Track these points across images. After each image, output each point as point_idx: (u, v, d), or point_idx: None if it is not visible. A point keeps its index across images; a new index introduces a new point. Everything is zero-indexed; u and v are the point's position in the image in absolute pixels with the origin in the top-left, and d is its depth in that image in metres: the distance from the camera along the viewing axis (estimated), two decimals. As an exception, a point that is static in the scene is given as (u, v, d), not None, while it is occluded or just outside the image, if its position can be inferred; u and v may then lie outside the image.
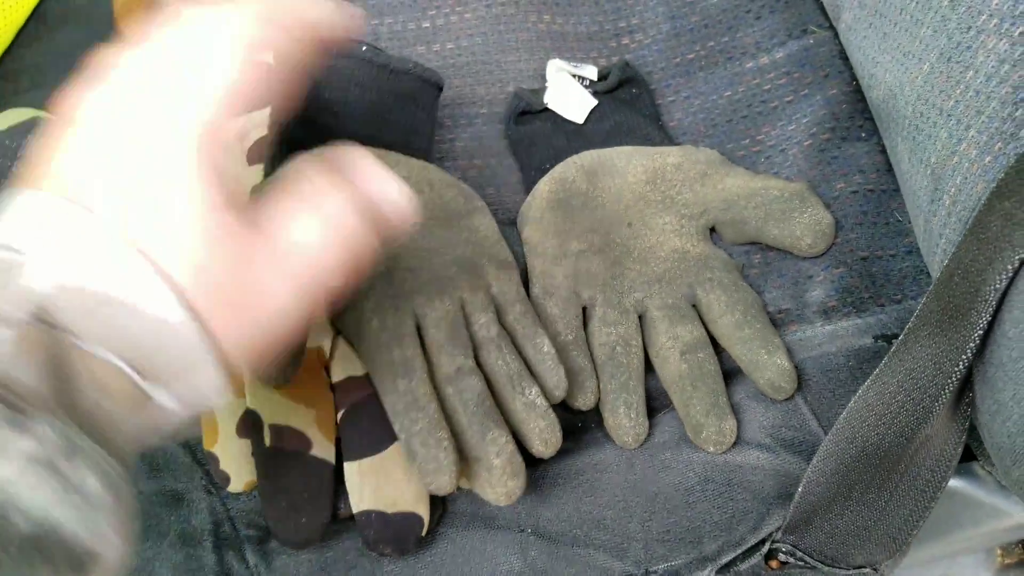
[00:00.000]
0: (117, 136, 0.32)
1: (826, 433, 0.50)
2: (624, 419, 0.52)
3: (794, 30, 0.70)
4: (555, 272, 0.57)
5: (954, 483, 0.54)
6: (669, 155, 0.62)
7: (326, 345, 0.52)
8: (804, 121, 0.65)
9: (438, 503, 0.50)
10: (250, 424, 0.50)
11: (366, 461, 0.49)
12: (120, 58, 0.34)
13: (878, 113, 0.60)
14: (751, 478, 0.51)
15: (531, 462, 0.52)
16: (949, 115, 0.48)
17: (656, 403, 0.55)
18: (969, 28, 0.47)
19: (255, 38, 0.34)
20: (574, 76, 0.67)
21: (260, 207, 0.34)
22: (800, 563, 0.50)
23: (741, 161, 0.65)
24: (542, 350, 0.52)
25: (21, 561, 0.25)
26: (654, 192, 0.61)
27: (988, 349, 0.42)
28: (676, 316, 0.56)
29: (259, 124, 0.59)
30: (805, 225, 0.57)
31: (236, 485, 0.50)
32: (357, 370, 0.51)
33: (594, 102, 0.66)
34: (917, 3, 0.52)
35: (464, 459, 0.48)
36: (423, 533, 0.48)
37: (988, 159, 0.44)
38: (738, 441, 0.52)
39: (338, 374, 0.52)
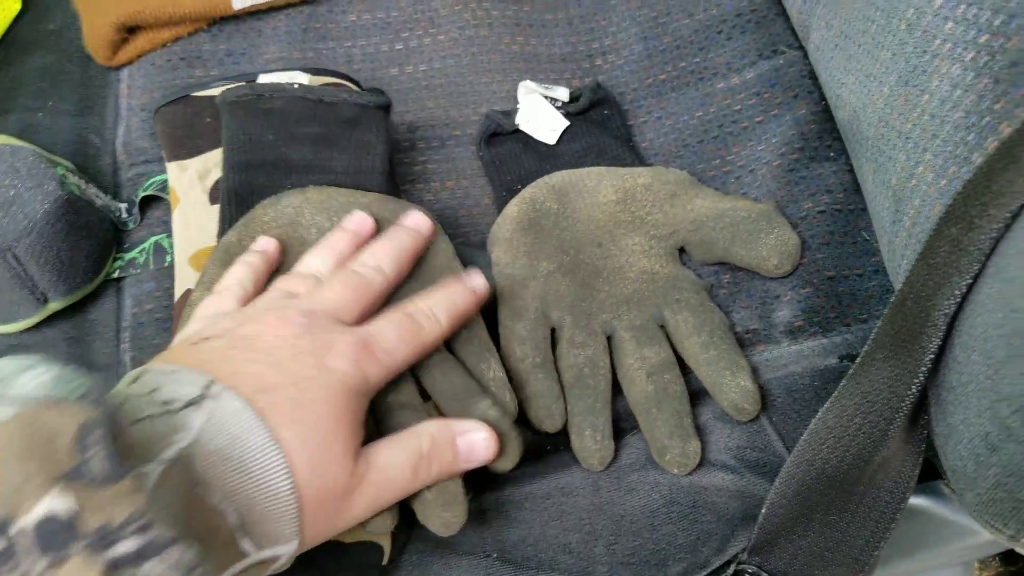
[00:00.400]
0: (301, 368, 0.42)
1: (790, 455, 0.50)
2: (590, 442, 0.52)
3: (764, 50, 0.70)
4: (524, 294, 0.58)
5: (920, 502, 0.54)
6: (639, 176, 0.63)
7: None
8: (774, 141, 0.65)
9: (401, 533, 0.50)
10: None
11: None
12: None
13: (844, 133, 0.60)
14: (716, 500, 0.51)
15: (498, 485, 0.53)
16: (907, 138, 0.49)
17: (624, 424, 0.56)
18: (924, 52, 0.47)
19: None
20: (545, 97, 0.68)
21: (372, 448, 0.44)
22: (765, 584, 0.50)
23: (711, 181, 0.65)
24: (486, 375, 0.52)
25: None
26: (624, 212, 0.61)
27: (940, 373, 0.42)
28: (644, 337, 0.56)
29: (218, 163, 0.60)
30: (771, 246, 0.58)
31: None
32: None
33: (566, 123, 0.67)
34: (878, 26, 0.53)
35: None
36: (384, 563, 0.48)
37: (943, 182, 0.45)
38: (704, 462, 0.52)
39: None
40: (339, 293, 0.48)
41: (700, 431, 0.53)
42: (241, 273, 0.51)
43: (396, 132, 0.70)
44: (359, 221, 0.54)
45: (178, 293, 0.59)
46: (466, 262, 0.60)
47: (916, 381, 0.42)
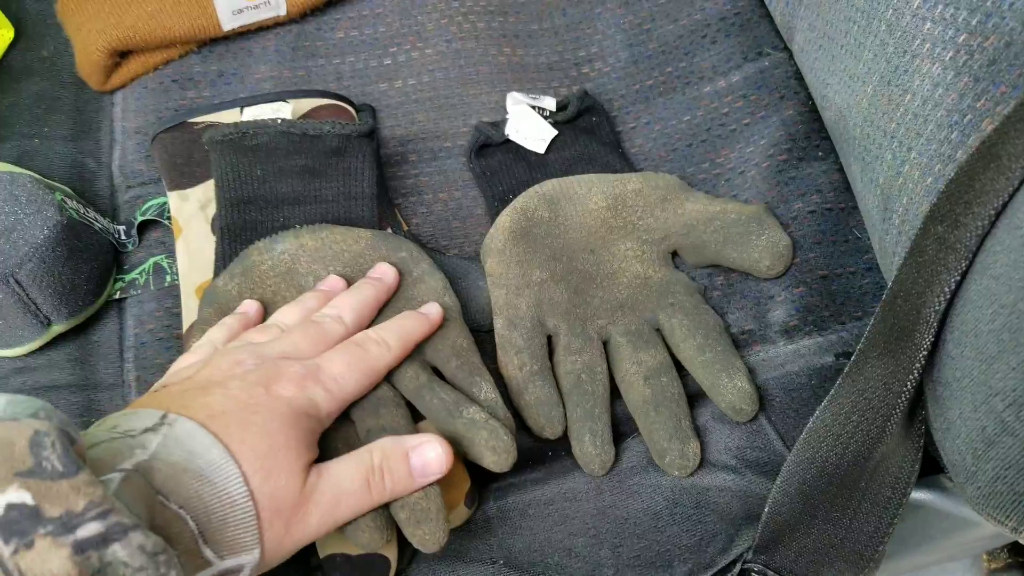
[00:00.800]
0: (251, 396, 0.44)
1: (790, 453, 0.50)
2: (590, 447, 0.53)
3: (750, 53, 0.71)
4: (519, 303, 0.58)
5: (923, 496, 0.55)
6: (629, 181, 0.63)
7: None
8: (762, 143, 0.66)
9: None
10: None
11: None
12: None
13: (832, 133, 0.61)
14: (719, 500, 0.52)
15: (501, 493, 0.53)
16: (892, 137, 0.49)
17: (624, 428, 0.56)
18: (905, 52, 0.48)
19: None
20: (533, 107, 0.68)
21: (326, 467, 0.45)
22: (771, 582, 0.51)
23: (701, 184, 0.66)
24: (478, 398, 0.53)
25: None
26: (615, 218, 0.62)
27: (935, 368, 0.43)
28: (639, 342, 0.56)
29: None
30: (763, 248, 0.58)
31: None
32: None
33: (554, 132, 0.68)
34: (859, 27, 0.53)
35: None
36: (391, 575, 0.49)
37: (930, 180, 0.45)
38: (705, 463, 0.53)
39: None
40: (296, 340, 0.50)
41: (700, 432, 0.54)
42: (217, 335, 0.53)
43: (387, 146, 0.70)
44: (331, 283, 0.58)
45: (186, 324, 0.60)
46: (460, 273, 0.61)
47: (911, 377, 0.43)
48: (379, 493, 0.45)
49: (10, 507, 0.31)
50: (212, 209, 0.62)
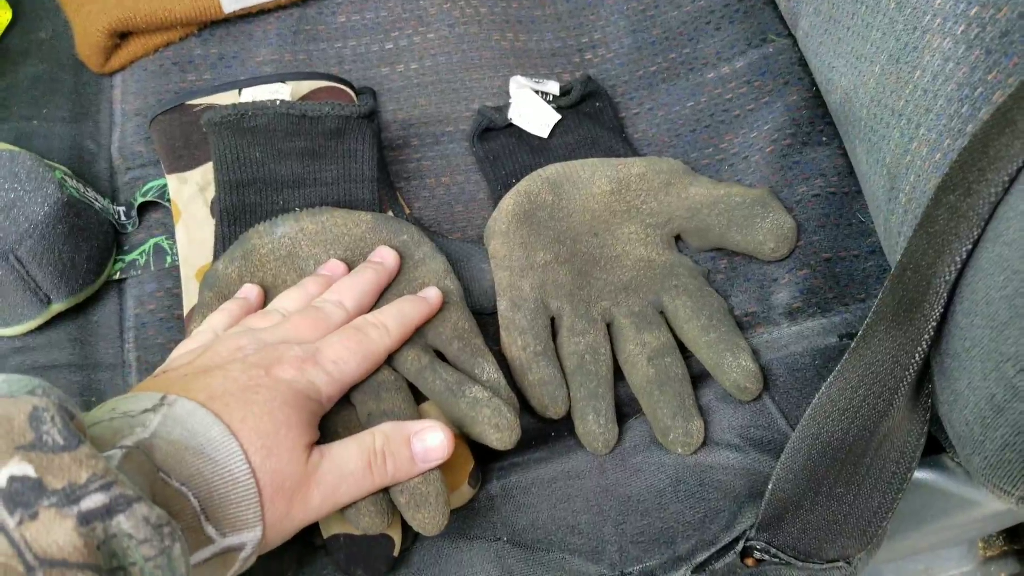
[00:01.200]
0: (251, 378, 0.44)
1: (794, 431, 0.50)
2: (594, 425, 0.53)
3: (754, 39, 0.71)
4: (522, 284, 0.58)
5: (924, 475, 0.55)
6: (633, 166, 0.63)
7: None
8: (765, 128, 0.66)
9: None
10: None
11: None
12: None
13: (837, 117, 0.61)
14: (722, 478, 0.52)
15: (504, 472, 0.53)
16: (900, 114, 0.49)
17: (627, 409, 0.56)
18: (915, 29, 0.48)
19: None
20: (537, 92, 0.68)
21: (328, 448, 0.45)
22: (775, 560, 0.50)
23: (705, 169, 0.66)
24: (481, 379, 0.53)
25: None
26: (619, 202, 0.62)
27: (943, 340, 0.43)
28: (643, 323, 0.56)
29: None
30: (767, 230, 0.58)
31: None
32: None
33: (557, 117, 0.67)
34: (867, 7, 0.53)
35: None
36: (395, 554, 0.48)
37: (938, 156, 0.45)
38: (708, 442, 0.53)
39: None
40: (297, 325, 0.50)
41: (703, 412, 0.54)
42: (217, 321, 0.53)
43: (389, 130, 0.70)
44: (332, 267, 0.57)
45: (187, 308, 0.60)
46: (463, 256, 0.61)
47: (919, 350, 0.42)
48: (380, 476, 0.45)
49: (12, 479, 0.31)
50: (211, 192, 0.62)
